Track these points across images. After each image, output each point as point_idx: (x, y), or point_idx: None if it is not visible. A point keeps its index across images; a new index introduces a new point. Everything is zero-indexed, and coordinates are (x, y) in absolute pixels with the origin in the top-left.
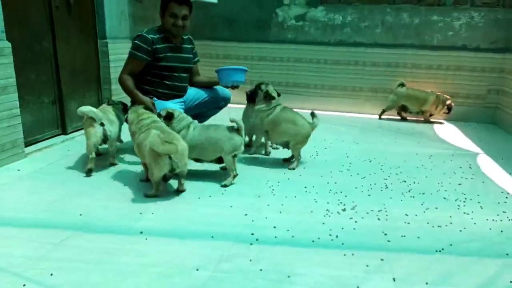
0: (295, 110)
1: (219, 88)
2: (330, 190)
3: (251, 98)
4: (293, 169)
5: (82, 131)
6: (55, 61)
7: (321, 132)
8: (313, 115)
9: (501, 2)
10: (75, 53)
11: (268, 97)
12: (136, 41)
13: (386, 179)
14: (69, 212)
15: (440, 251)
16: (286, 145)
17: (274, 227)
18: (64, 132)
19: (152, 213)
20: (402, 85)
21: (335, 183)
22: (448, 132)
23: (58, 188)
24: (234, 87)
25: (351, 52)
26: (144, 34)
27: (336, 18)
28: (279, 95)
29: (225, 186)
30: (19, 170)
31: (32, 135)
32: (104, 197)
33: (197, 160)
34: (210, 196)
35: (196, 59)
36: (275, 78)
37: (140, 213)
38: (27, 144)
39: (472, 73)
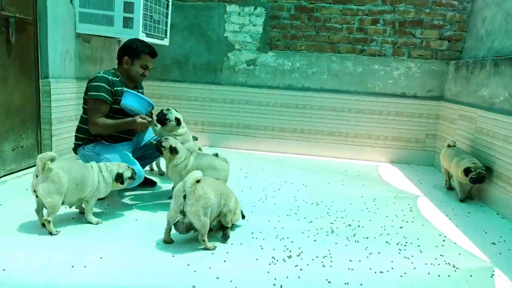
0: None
1: None
2: (277, 235)
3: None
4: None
5: (16, 175)
6: None
7: (271, 175)
8: (216, 155)
9: (434, 55)
10: (12, 93)
11: (174, 151)
12: (96, 83)
13: (332, 223)
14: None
15: None
16: None
17: (217, 278)
18: None
19: (85, 267)
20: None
21: (282, 228)
22: (391, 174)
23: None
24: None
25: (299, 96)
26: (103, 75)
27: (286, 63)
28: (196, 139)
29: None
30: None
31: None
32: (33, 248)
33: None
34: (150, 244)
35: None
36: (226, 119)
37: (72, 267)
38: None
39: (412, 118)
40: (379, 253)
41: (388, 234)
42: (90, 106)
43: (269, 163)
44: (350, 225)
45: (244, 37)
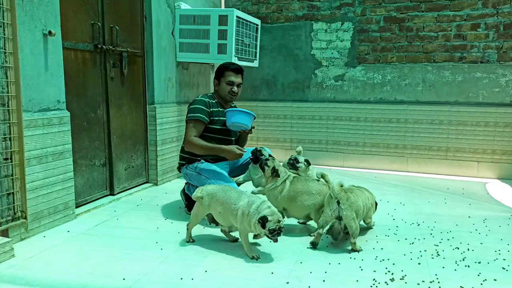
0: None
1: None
2: (377, 257)
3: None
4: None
5: (128, 192)
6: (108, 127)
7: None
8: (323, 176)
9: None
10: (126, 119)
11: (275, 173)
12: (194, 106)
13: (437, 245)
14: (111, 277)
15: None
16: (309, 218)
17: None
18: (112, 193)
19: (192, 279)
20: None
21: (382, 249)
22: (503, 191)
23: (102, 250)
24: (242, 131)
25: (392, 109)
26: (201, 98)
27: (376, 77)
28: (309, 164)
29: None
30: (68, 231)
31: (82, 197)
32: (146, 260)
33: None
34: (252, 261)
35: None
36: (315, 136)
37: (181, 279)
38: (77, 205)
39: None
40: (495, 280)
41: (504, 260)
42: (187, 125)
43: (361, 180)
44: (458, 248)
45: (332, 53)
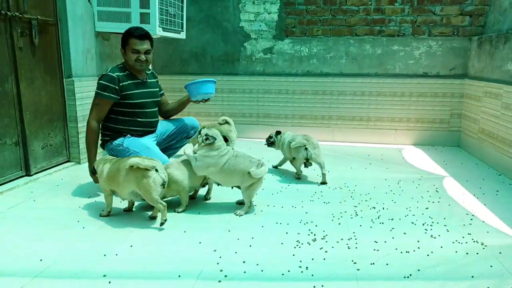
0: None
1: (185, 118)
2: (301, 220)
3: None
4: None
5: (47, 172)
6: (19, 103)
7: None
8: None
9: (456, 32)
10: (39, 94)
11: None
12: (102, 81)
13: (356, 206)
14: (29, 258)
15: (408, 277)
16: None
17: (244, 262)
18: (28, 173)
19: (116, 255)
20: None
21: (306, 212)
22: (416, 156)
23: (18, 232)
24: (205, 100)
25: (318, 82)
26: (109, 73)
27: (303, 50)
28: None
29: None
30: None
31: None
32: (66, 239)
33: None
34: (178, 232)
35: (162, 91)
36: (246, 109)
37: (104, 255)
38: None
39: (435, 98)
40: (404, 233)
41: (413, 215)
42: (93, 101)
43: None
44: (374, 208)
45: (260, 25)
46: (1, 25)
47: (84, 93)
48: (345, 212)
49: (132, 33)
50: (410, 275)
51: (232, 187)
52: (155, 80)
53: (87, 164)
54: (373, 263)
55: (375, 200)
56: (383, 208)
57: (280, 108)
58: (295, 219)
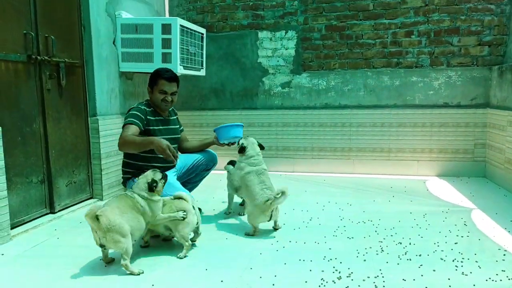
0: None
1: (204, 151)
2: (325, 256)
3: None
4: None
5: (71, 209)
6: (45, 142)
7: (313, 195)
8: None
9: (475, 62)
10: (65, 133)
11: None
12: (131, 112)
13: (381, 242)
14: None
15: None
16: None
17: None
18: (52, 211)
19: None
20: None
21: (330, 249)
22: (440, 188)
23: (41, 273)
24: (231, 143)
25: (337, 114)
26: (138, 105)
27: (320, 83)
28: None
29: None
30: (2, 254)
31: (18, 216)
32: (88, 279)
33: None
34: (201, 269)
35: (181, 128)
36: (265, 143)
37: None
38: (13, 226)
39: (457, 128)
40: (434, 270)
41: (442, 251)
42: (122, 130)
43: (311, 184)
44: (400, 243)
45: (278, 61)
46: (31, 68)
47: (107, 130)
48: (370, 247)
49: (161, 74)
50: None
51: (242, 199)
52: (175, 117)
53: None
54: None
55: (401, 234)
56: (410, 243)
57: (299, 140)
58: (319, 256)
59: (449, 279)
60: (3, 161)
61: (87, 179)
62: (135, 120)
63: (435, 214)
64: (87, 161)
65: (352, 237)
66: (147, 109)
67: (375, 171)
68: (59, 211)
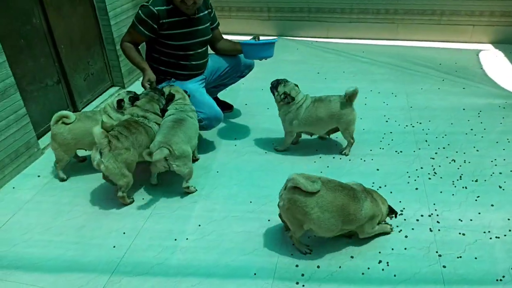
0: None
1: (241, 56)
2: (373, 184)
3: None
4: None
5: (94, 103)
6: (51, 37)
7: (353, 81)
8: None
9: None
10: (70, 21)
11: (288, 98)
12: (140, 12)
13: (433, 159)
14: (101, 244)
15: (500, 280)
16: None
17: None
18: (75, 110)
19: (187, 238)
20: None
21: (377, 170)
22: (497, 64)
23: (82, 204)
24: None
25: None
26: (151, 6)
27: None
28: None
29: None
30: (39, 176)
31: (42, 125)
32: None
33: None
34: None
35: (215, 24)
36: (294, 3)
37: (175, 240)
38: (39, 136)
39: None
40: (492, 205)
41: (500, 173)
42: (129, 27)
43: (347, 59)
44: (454, 161)
45: None
46: None
47: (117, 8)
48: (422, 168)
49: None
50: (503, 277)
51: (328, 134)
52: (206, 12)
53: (131, 86)
54: (460, 257)
55: (454, 147)
56: (465, 161)
57: (336, 1)
58: (367, 182)
59: (509, 219)
60: (12, 77)
61: (104, 67)
62: (140, 27)
63: (491, 111)
64: (101, 47)
65: (401, 151)
66: (164, 7)
67: (422, 37)
68: (82, 108)
